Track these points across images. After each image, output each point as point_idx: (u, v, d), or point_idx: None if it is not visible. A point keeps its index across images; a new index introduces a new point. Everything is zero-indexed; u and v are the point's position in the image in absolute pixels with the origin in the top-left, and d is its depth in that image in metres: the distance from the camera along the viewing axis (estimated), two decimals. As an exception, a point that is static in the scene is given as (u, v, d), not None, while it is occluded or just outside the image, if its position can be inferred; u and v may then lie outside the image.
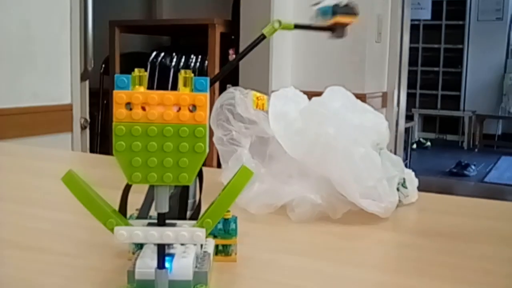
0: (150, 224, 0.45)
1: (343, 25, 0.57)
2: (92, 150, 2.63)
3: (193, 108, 0.41)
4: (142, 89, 0.42)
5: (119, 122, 0.41)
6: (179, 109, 0.41)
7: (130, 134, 0.41)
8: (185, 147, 0.41)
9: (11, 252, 0.60)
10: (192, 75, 0.41)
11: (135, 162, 0.41)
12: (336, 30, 0.57)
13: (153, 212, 0.47)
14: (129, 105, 0.41)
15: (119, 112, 0.41)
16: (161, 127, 0.41)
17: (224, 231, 0.56)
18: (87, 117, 2.34)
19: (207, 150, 0.42)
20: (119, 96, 0.41)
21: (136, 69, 0.42)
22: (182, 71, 0.42)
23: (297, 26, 0.60)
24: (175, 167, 0.42)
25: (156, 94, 0.41)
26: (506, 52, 8.29)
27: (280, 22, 0.57)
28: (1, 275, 0.55)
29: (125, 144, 0.41)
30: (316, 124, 0.74)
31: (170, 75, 3.92)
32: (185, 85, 0.41)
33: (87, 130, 2.35)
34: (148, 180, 0.42)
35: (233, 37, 3.41)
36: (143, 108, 0.41)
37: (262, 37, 0.58)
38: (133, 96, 0.41)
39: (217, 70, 3.34)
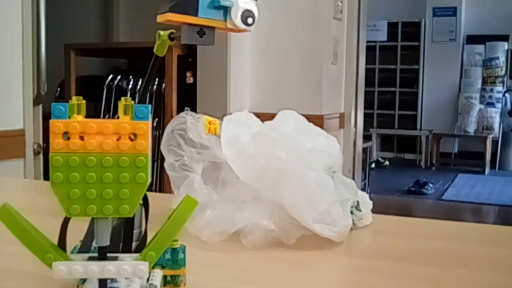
0: (91, 258, 0.43)
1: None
2: (46, 176, 2.56)
3: (134, 136, 0.40)
4: (80, 117, 0.40)
5: (56, 153, 0.39)
6: (119, 138, 0.40)
7: (67, 165, 0.39)
8: (126, 178, 0.40)
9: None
10: (133, 102, 0.40)
11: (73, 194, 0.40)
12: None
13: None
14: (66, 135, 0.39)
15: (55, 142, 0.39)
16: (100, 157, 0.40)
17: (172, 261, 0.54)
18: (41, 142, 2.29)
19: (149, 180, 0.41)
20: (55, 125, 0.39)
21: (74, 97, 0.40)
22: (123, 99, 0.40)
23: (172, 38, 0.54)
24: (115, 199, 0.40)
25: (94, 122, 0.39)
26: (460, 72, 8.49)
27: (159, 34, 0.53)
28: None
29: (62, 175, 0.39)
30: (268, 149, 0.74)
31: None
32: (125, 113, 0.40)
33: (41, 156, 2.30)
34: (87, 213, 0.40)
35: (190, 59, 3.41)
36: (81, 138, 0.39)
37: (156, 58, 0.53)
38: (70, 125, 0.39)
39: (174, 93, 3.33)
